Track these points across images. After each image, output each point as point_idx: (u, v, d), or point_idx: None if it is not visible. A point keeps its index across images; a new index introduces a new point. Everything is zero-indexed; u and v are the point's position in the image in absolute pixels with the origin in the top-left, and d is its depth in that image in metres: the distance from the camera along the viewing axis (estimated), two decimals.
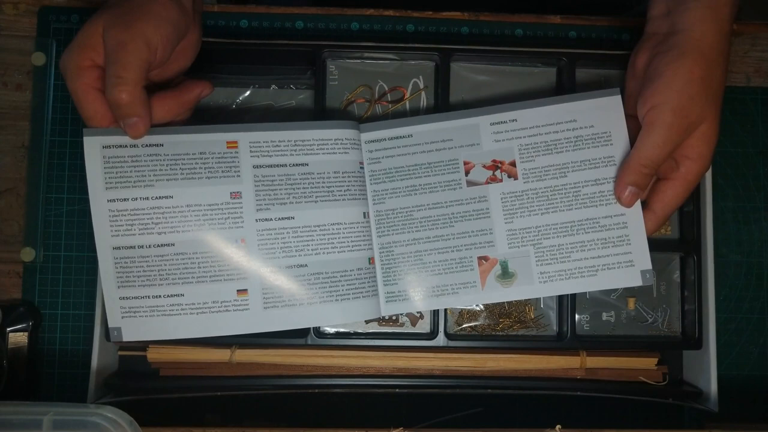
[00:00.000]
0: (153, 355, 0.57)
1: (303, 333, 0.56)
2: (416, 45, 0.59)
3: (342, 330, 0.58)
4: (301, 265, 0.52)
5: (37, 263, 0.60)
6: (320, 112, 0.58)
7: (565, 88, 0.59)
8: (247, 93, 0.61)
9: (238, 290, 0.52)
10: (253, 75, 0.60)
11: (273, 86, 0.61)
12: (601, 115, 0.54)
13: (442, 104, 0.58)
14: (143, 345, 0.56)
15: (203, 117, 0.59)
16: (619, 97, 0.54)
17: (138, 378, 0.57)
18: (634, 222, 0.53)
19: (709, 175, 0.58)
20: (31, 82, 0.62)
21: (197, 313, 0.51)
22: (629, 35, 0.64)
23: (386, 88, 0.61)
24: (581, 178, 0.54)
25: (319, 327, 0.57)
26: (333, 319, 0.53)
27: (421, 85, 0.61)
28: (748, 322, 0.62)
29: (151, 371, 0.57)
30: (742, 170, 0.64)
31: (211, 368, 0.57)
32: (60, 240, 0.61)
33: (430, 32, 0.64)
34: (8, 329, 0.58)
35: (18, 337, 0.58)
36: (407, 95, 0.61)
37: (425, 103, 0.61)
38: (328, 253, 0.53)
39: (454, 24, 0.64)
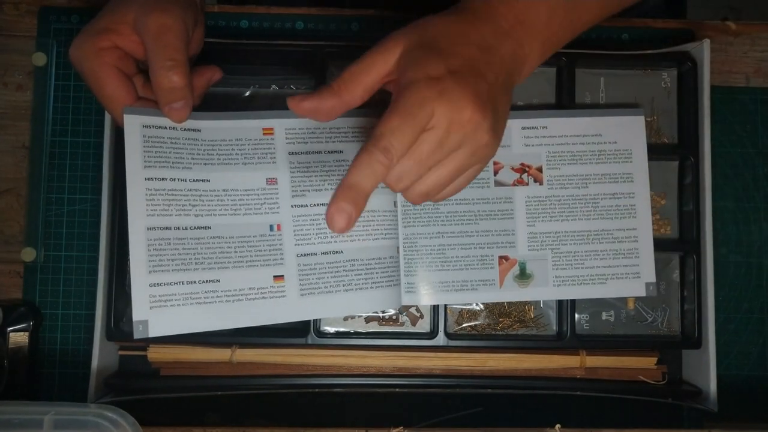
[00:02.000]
0: (153, 354, 0.57)
1: (303, 332, 0.56)
2: None
3: (342, 329, 0.58)
4: (337, 252, 0.53)
5: (38, 263, 0.60)
6: None
7: (564, 87, 0.59)
8: (247, 93, 0.61)
9: (274, 276, 0.52)
10: (253, 75, 0.60)
11: (273, 86, 0.61)
12: (624, 132, 0.57)
13: None
14: (144, 344, 0.56)
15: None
16: (643, 117, 0.57)
17: (138, 378, 0.57)
18: (644, 237, 0.56)
19: (708, 175, 0.58)
20: (32, 82, 0.62)
21: (233, 301, 0.50)
22: (629, 35, 0.64)
23: None
24: (600, 190, 0.56)
25: (319, 326, 0.57)
26: (368, 306, 0.53)
27: None
28: (747, 322, 0.62)
29: (152, 371, 0.57)
30: (742, 170, 0.64)
31: (211, 368, 0.57)
32: (61, 240, 0.61)
33: None
34: (9, 329, 0.58)
35: (18, 337, 0.58)
36: None
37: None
38: (363, 240, 0.53)
39: None
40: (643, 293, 0.57)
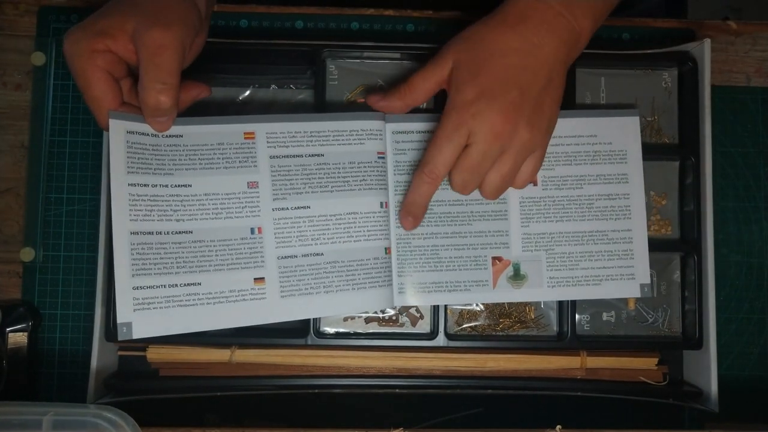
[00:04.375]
0: (153, 355, 0.56)
1: (303, 333, 0.56)
2: (416, 45, 0.59)
3: (342, 330, 0.58)
4: (318, 254, 0.53)
5: (37, 263, 0.60)
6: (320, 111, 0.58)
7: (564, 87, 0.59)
8: (247, 93, 0.61)
9: (255, 278, 0.52)
10: (252, 75, 0.60)
11: (273, 86, 0.61)
12: (620, 133, 0.57)
13: (442, 104, 0.58)
14: (143, 345, 0.56)
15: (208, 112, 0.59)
16: (638, 117, 0.57)
17: (138, 378, 0.57)
18: (639, 238, 0.56)
19: (709, 175, 0.58)
20: (31, 81, 0.62)
21: (214, 303, 0.51)
22: (630, 35, 0.64)
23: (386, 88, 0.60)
24: (595, 191, 0.56)
25: (319, 327, 0.57)
26: (349, 307, 0.53)
27: None
28: (748, 322, 0.62)
29: (151, 371, 0.57)
30: (742, 170, 0.64)
31: (211, 368, 0.57)
32: (60, 240, 0.61)
33: (430, 32, 0.64)
34: (8, 329, 0.58)
35: (18, 337, 0.58)
36: None
37: (425, 104, 0.61)
38: (344, 242, 0.53)
39: (454, 24, 0.64)
40: (637, 294, 0.56)
